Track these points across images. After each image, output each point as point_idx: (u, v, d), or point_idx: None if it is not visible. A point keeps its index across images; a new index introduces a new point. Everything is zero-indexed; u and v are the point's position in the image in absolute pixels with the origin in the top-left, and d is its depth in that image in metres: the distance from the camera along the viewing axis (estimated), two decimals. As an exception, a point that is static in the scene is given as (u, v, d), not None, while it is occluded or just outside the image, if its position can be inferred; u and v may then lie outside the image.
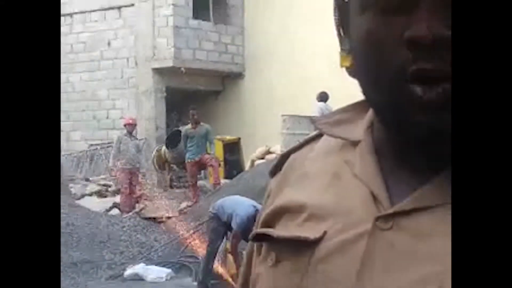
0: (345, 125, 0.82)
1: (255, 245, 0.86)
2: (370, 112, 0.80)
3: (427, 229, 0.69)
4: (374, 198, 0.73)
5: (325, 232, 0.72)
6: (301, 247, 0.74)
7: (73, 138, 17.04)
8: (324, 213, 0.76)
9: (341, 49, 0.79)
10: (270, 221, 0.81)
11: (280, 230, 0.78)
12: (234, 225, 8.08)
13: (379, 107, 0.74)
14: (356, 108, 0.83)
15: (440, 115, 0.66)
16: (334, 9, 0.79)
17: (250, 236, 0.87)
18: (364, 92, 0.74)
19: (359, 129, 0.80)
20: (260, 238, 0.82)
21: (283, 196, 0.82)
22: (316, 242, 0.72)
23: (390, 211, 0.71)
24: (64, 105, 16.25)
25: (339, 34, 0.79)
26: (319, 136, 0.86)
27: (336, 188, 0.77)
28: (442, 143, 0.68)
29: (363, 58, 0.72)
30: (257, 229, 0.85)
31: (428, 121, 0.67)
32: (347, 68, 0.77)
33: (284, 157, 0.89)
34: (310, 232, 0.73)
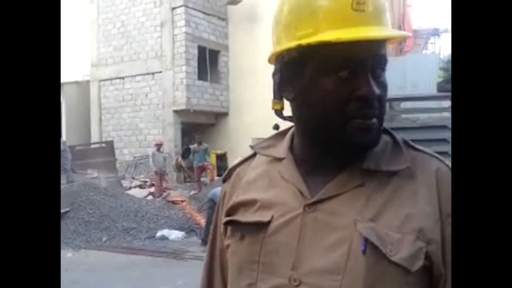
0: (272, 148, 0.96)
1: (223, 226, 0.97)
2: (287, 139, 0.95)
3: (335, 209, 0.83)
4: (301, 193, 0.86)
5: (272, 217, 0.87)
6: (258, 227, 0.87)
7: (124, 152, 17.35)
8: (269, 204, 0.89)
9: (275, 98, 0.90)
10: (231, 212, 0.94)
11: (242, 217, 0.91)
12: None
13: (331, 135, 0.84)
14: (276, 138, 0.97)
15: (372, 137, 0.83)
16: (276, 72, 0.89)
17: (222, 222, 0.97)
18: (309, 127, 0.88)
19: (281, 150, 0.94)
20: (229, 223, 0.94)
21: (237, 196, 0.95)
22: (267, 223, 0.87)
23: (313, 200, 0.84)
24: (119, 133, 17.98)
25: (278, 89, 0.89)
26: (254, 155, 1.00)
27: (273, 188, 0.90)
28: (350, 153, 0.85)
29: (321, 106, 0.82)
30: (223, 217, 0.97)
31: (364, 142, 0.82)
32: (277, 110, 0.92)
33: (232, 169, 1.02)
34: (262, 217, 0.88)
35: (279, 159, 0.93)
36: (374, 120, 0.82)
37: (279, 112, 0.93)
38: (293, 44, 0.82)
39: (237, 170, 1.02)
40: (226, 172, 1.04)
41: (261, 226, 0.88)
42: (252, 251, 0.88)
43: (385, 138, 0.90)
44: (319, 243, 0.82)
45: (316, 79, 0.83)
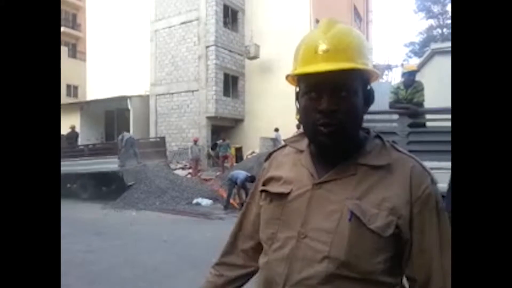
0: (297, 142, 0.94)
1: (259, 193, 0.95)
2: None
3: (333, 189, 0.82)
4: (311, 175, 0.85)
5: (291, 189, 0.86)
6: (281, 195, 0.87)
7: (172, 145, 16.95)
8: (290, 180, 0.87)
9: (297, 111, 0.87)
10: (266, 183, 0.93)
11: (272, 188, 0.90)
12: (238, 183, 8.97)
13: (308, 134, 0.86)
14: (302, 135, 0.93)
15: (332, 138, 0.80)
16: (296, 95, 0.88)
17: (259, 190, 0.95)
18: (303, 128, 0.87)
19: (303, 144, 0.91)
20: (263, 191, 0.93)
21: (271, 172, 0.94)
22: (288, 194, 0.86)
23: (319, 181, 0.83)
24: (169, 131, 17.61)
25: (296, 106, 0.87)
26: (285, 146, 0.97)
27: (295, 170, 0.89)
28: (333, 150, 0.83)
29: (303, 114, 0.84)
30: (259, 186, 0.95)
31: (326, 142, 0.81)
32: (299, 120, 0.88)
33: (271, 153, 1.00)
34: (285, 189, 0.87)
35: (301, 151, 0.93)
36: (331, 128, 0.81)
37: (299, 121, 0.92)
38: (290, 73, 0.87)
39: (274, 154, 1.00)
40: (267, 155, 1.03)
41: (283, 195, 0.88)
42: (276, 211, 0.88)
43: (376, 141, 0.89)
44: (321, 211, 0.82)
45: (301, 97, 0.85)
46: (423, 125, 4.40)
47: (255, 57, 17.30)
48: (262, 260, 0.90)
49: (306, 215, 0.82)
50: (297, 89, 0.88)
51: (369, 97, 0.87)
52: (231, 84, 17.67)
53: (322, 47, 0.79)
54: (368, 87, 0.87)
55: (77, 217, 8.51)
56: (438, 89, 5.08)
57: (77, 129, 16.77)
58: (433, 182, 0.83)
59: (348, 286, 0.78)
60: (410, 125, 4.11)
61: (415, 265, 0.81)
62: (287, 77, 0.90)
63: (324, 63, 0.79)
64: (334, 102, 0.79)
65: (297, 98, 0.89)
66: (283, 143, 0.99)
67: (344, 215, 0.79)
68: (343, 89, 0.80)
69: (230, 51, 17.58)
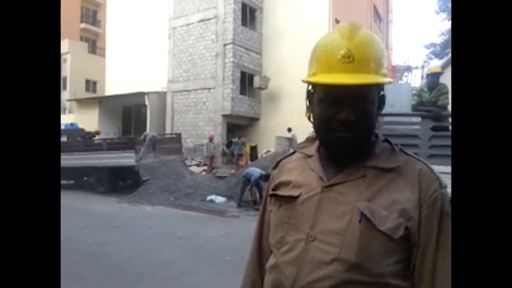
0: (306, 148, 0.95)
1: (269, 198, 0.96)
2: (317, 142, 0.92)
3: (343, 191, 0.82)
4: (321, 178, 0.85)
5: (300, 193, 0.86)
6: (290, 199, 0.87)
7: (188, 141, 16.95)
8: (299, 184, 0.88)
9: (307, 109, 0.89)
10: (275, 188, 0.94)
11: (281, 192, 0.91)
12: (252, 180, 9.02)
13: (322, 138, 0.86)
14: (310, 141, 0.96)
15: (348, 145, 0.81)
16: (307, 94, 0.89)
17: (269, 194, 0.95)
18: (315, 131, 0.87)
19: (312, 149, 0.93)
20: (272, 195, 0.94)
21: (280, 178, 0.94)
22: (297, 197, 0.86)
23: (328, 183, 0.84)
24: (185, 128, 17.65)
25: (306, 105, 0.89)
26: (294, 152, 0.99)
27: (304, 174, 0.89)
28: (346, 154, 0.83)
29: (318, 119, 0.84)
30: (269, 191, 0.95)
31: (341, 147, 0.83)
32: (308, 117, 0.89)
33: (279, 161, 1.00)
34: (294, 193, 0.87)
35: (310, 156, 0.93)
36: (348, 135, 0.81)
37: (308, 118, 0.92)
38: (305, 79, 0.85)
39: (282, 161, 1.01)
40: (275, 163, 1.03)
41: (292, 199, 0.88)
42: (285, 215, 0.88)
43: (384, 144, 0.89)
44: (330, 213, 0.82)
45: (317, 103, 0.84)
46: (446, 129, 4.28)
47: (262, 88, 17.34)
48: (270, 263, 0.90)
49: (315, 218, 0.82)
50: (309, 87, 0.88)
51: (381, 103, 0.87)
52: (247, 82, 17.57)
53: (346, 56, 0.78)
54: (381, 93, 0.87)
55: (93, 210, 8.62)
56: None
57: (95, 124, 17.11)
58: (441, 186, 0.82)
59: None
60: (433, 128, 4.03)
61: (416, 268, 0.81)
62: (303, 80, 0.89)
63: (347, 74, 0.78)
64: (352, 112, 0.80)
65: (308, 97, 0.89)
66: (299, 142, 1.00)
67: (354, 216, 0.79)
68: (363, 100, 0.80)
69: (247, 49, 17.54)
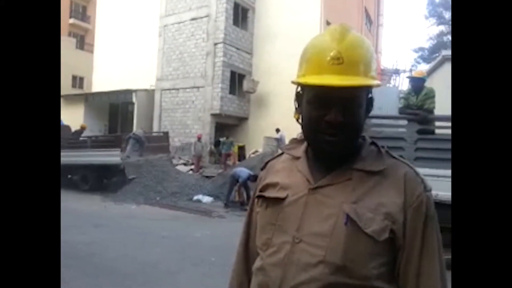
0: (294, 149, 0.95)
1: (256, 199, 0.96)
2: (304, 144, 0.92)
3: (329, 193, 0.82)
4: (307, 180, 0.85)
5: (287, 195, 0.86)
6: (277, 201, 0.87)
7: (175, 140, 16.90)
8: (286, 186, 0.88)
9: (295, 110, 0.88)
10: (262, 189, 0.94)
11: (268, 193, 0.91)
12: (240, 181, 9.15)
13: (310, 139, 0.86)
14: (298, 142, 0.96)
15: (336, 147, 0.81)
16: (296, 95, 0.88)
17: (256, 195, 0.95)
18: (303, 132, 0.87)
19: (299, 151, 0.92)
20: (259, 197, 0.94)
21: (267, 179, 0.94)
22: (283, 199, 0.86)
23: (315, 186, 0.84)
24: (173, 126, 17.56)
25: (295, 106, 0.89)
26: (281, 154, 0.98)
27: (291, 176, 0.89)
28: (333, 157, 0.84)
29: (306, 120, 0.84)
30: (257, 193, 0.95)
31: (330, 150, 0.83)
32: (297, 119, 0.88)
33: (267, 163, 1.00)
34: (281, 194, 0.87)
35: (297, 158, 0.93)
36: (337, 138, 0.81)
37: (297, 120, 0.91)
38: (295, 80, 0.85)
39: (270, 163, 1.01)
40: (263, 164, 1.03)
41: (279, 201, 0.88)
42: (272, 216, 0.88)
43: (371, 147, 0.89)
44: (316, 215, 0.82)
45: (305, 104, 0.84)
46: (432, 132, 4.38)
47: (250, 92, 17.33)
48: (256, 265, 0.90)
49: (302, 220, 0.82)
50: (299, 89, 0.88)
51: (369, 105, 0.87)
52: (237, 82, 17.51)
53: (335, 57, 0.78)
54: (370, 96, 0.87)
55: (77, 209, 8.51)
56: (448, 96, 5.17)
57: (81, 121, 16.81)
58: (426, 189, 0.82)
59: None
60: (419, 131, 4.09)
61: (400, 272, 0.81)
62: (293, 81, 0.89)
63: (336, 75, 0.78)
64: (341, 114, 0.80)
65: (296, 98, 0.89)
66: (287, 143, 1.00)
67: (340, 219, 0.79)
68: (351, 102, 0.80)
69: (238, 49, 17.49)
